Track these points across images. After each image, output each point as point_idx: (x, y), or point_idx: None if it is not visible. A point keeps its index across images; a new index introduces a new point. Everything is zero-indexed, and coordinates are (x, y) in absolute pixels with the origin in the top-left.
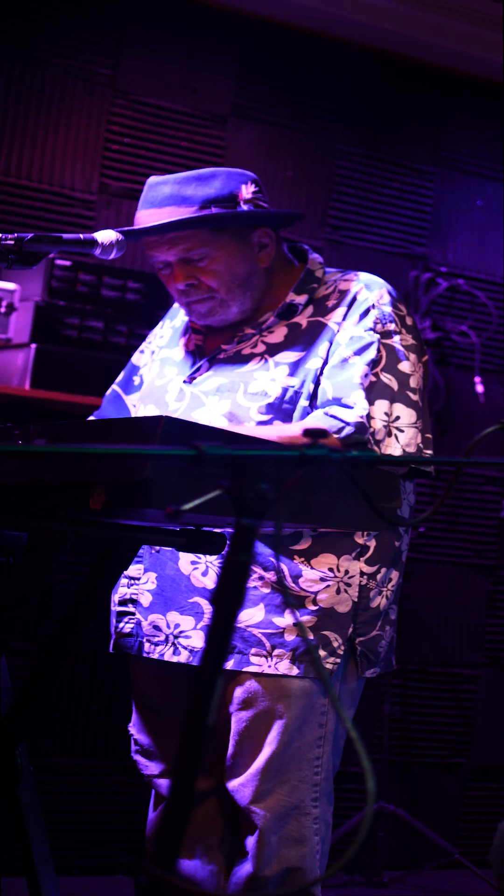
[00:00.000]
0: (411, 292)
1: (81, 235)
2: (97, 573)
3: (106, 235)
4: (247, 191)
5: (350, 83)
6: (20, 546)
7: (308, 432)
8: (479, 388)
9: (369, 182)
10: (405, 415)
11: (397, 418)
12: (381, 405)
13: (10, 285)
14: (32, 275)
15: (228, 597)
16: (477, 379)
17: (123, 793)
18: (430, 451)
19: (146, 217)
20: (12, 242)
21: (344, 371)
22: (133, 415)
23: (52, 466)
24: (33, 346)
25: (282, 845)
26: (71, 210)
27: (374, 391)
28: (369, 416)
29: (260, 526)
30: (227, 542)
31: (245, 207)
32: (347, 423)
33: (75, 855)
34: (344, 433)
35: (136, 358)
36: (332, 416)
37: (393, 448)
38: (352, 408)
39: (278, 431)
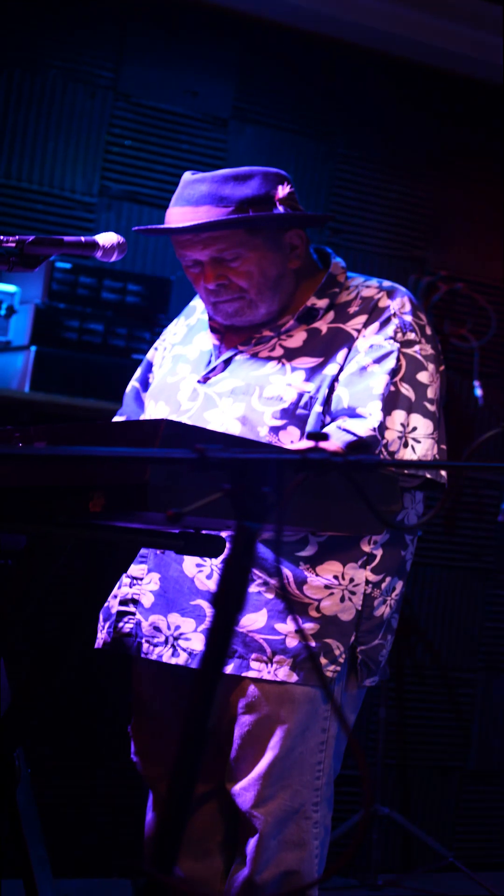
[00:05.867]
0: None
1: (83, 238)
2: (95, 576)
3: (107, 238)
4: (283, 191)
5: (352, 87)
6: (19, 549)
7: (311, 435)
8: (479, 392)
9: (370, 186)
10: (422, 425)
11: (414, 429)
12: (399, 415)
13: (11, 287)
14: (33, 277)
15: (229, 599)
16: (476, 383)
17: (121, 795)
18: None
19: (181, 215)
20: (13, 245)
21: (363, 380)
22: (146, 412)
23: (51, 469)
24: (33, 348)
25: (281, 849)
26: (72, 213)
27: (392, 401)
28: (384, 427)
29: (261, 529)
30: (227, 544)
31: (280, 208)
32: (358, 437)
33: (72, 857)
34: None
35: (150, 354)
36: (345, 429)
37: (408, 458)
38: (365, 418)
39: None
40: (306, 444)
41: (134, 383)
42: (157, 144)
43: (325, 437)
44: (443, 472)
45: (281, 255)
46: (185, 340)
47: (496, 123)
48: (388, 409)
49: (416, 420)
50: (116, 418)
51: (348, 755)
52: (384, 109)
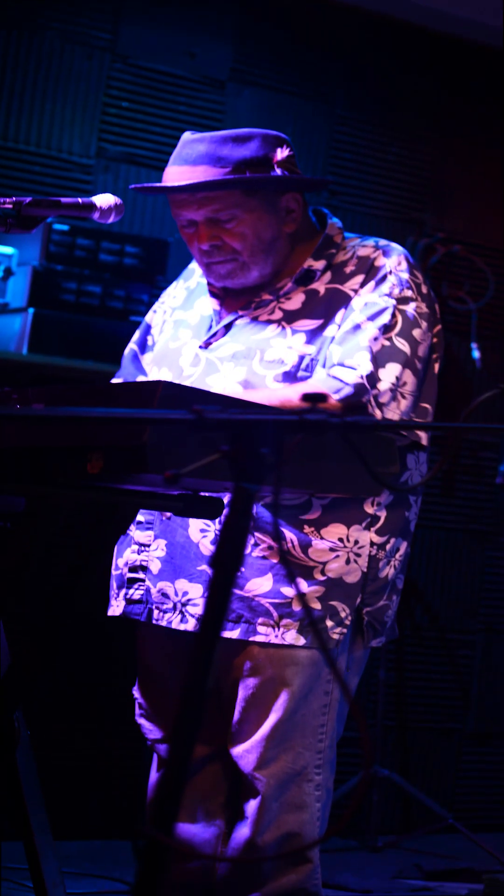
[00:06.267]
0: None
1: (80, 200)
2: (95, 538)
3: (104, 199)
4: (281, 154)
5: (350, 48)
6: (18, 511)
7: (307, 396)
8: (476, 354)
9: (368, 148)
10: (410, 381)
11: (404, 384)
12: (393, 368)
13: (8, 249)
14: (30, 239)
15: (227, 561)
16: (474, 345)
17: (120, 757)
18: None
19: (178, 174)
20: (11, 206)
21: (355, 336)
22: (148, 376)
23: (49, 431)
24: (31, 310)
25: (282, 810)
26: (69, 174)
27: (386, 354)
28: (375, 378)
29: (259, 490)
30: (226, 506)
31: (278, 171)
32: (346, 384)
33: (73, 819)
34: (342, 394)
35: (149, 317)
36: (333, 376)
37: (395, 413)
38: (354, 369)
39: (279, 395)
40: (300, 389)
41: (132, 346)
42: (155, 106)
43: (323, 398)
44: (420, 433)
45: (276, 218)
46: (186, 305)
47: (496, 87)
48: (382, 362)
49: (407, 376)
50: (114, 381)
51: (350, 717)
52: (383, 71)
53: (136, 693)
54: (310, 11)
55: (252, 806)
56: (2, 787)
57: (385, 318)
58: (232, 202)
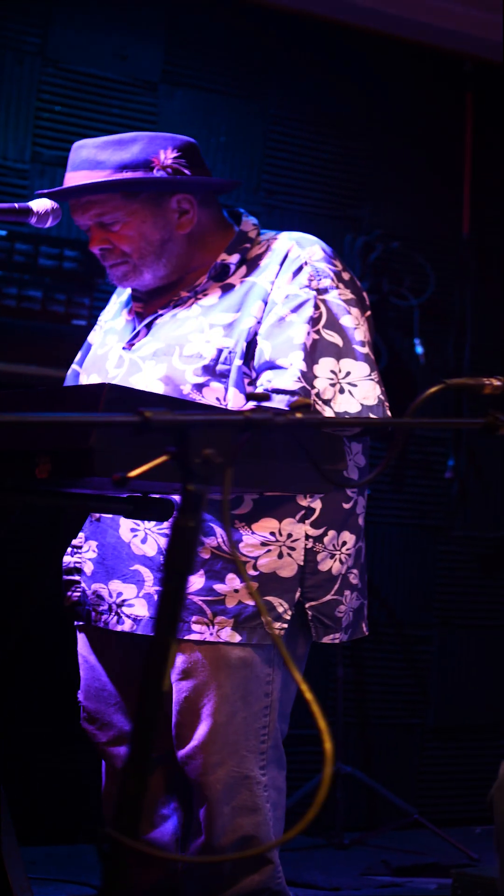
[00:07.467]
0: (347, 255)
1: (16, 204)
2: (45, 542)
3: (41, 204)
4: (165, 156)
5: (281, 47)
6: None
7: (251, 396)
8: (420, 350)
9: (303, 146)
10: (356, 369)
11: (347, 374)
12: (327, 363)
13: None
14: None
15: (178, 562)
16: (417, 340)
17: (84, 761)
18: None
19: (66, 180)
20: None
21: (283, 331)
22: None
23: None
24: None
25: (235, 815)
26: (4, 179)
27: (317, 349)
28: (310, 376)
29: (208, 491)
30: (175, 508)
31: (159, 174)
32: (289, 393)
33: (37, 824)
34: (290, 401)
35: (90, 336)
36: (275, 389)
37: (348, 405)
38: (286, 369)
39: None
40: (250, 405)
41: (74, 366)
42: (88, 109)
43: (267, 397)
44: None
45: (165, 220)
46: (116, 314)
47: (427, 82)
48: (314, 358)
49: (349, 364)
50: None
51: (306, 715)
52: (314, 69)
53: (80, 697)
54: (238, 12)
55: (203, 812)
56: None
57: (308, 311)
58: (114, 206)
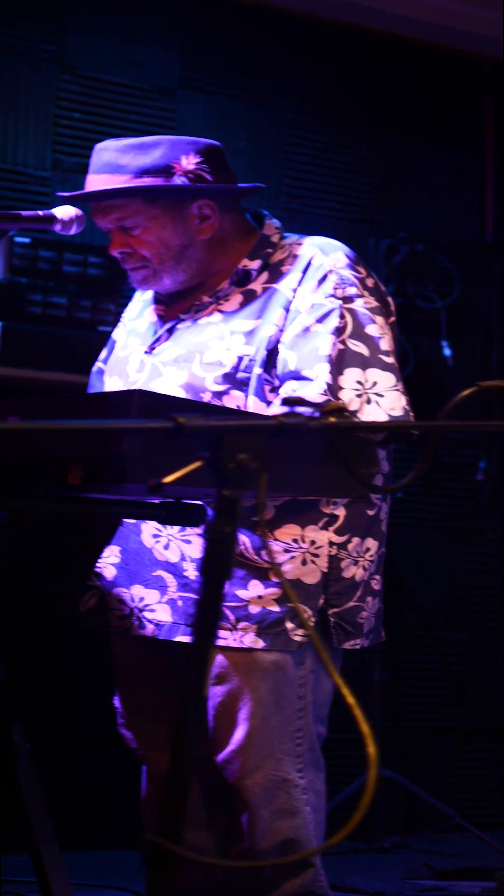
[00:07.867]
0: (371, 259)
1: (40, 212)
2: (79, 549)
3: (65, 212)
4: (187, 161)
5: (299, 52)
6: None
7: (286, 401)
8: (447, 352)
9: (323, 150)
10: (382, 379)
11: (374, 384)
12: (353, 374)
13: None
14: None
15: (215, 568)
16: (444, 343)
17: (126, 766)
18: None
19: (88, 183)
20: None
21: (308, 341)
22: (105, 388)
23: (27, 443)
24: None
25: (274, 818)
26: (26, 187)
27: (342, 360)
28: (336, 388)
29: (243, 496)
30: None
31: (180, 180)
32: (314, 405)
33: (78, 831)
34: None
35: (114, 333)
36: (299, 399)
37: (375, 415)
38: (312, 381)
39: None
40: (283, 409)
41: (98, 363)
42: (107, 116)
43: (302, 401)
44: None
45: (185, 226)
46: (139, 315)
47: (445, 86)
48: (339, 369)
49: (375, 374)
50: None
51: (346, 719)
52: (333, 74)
53: (116, 703)
54: (253, 16)
55: (243, 816)
56: (6, 801)
57: (334, 321)
58: (134, 210)
